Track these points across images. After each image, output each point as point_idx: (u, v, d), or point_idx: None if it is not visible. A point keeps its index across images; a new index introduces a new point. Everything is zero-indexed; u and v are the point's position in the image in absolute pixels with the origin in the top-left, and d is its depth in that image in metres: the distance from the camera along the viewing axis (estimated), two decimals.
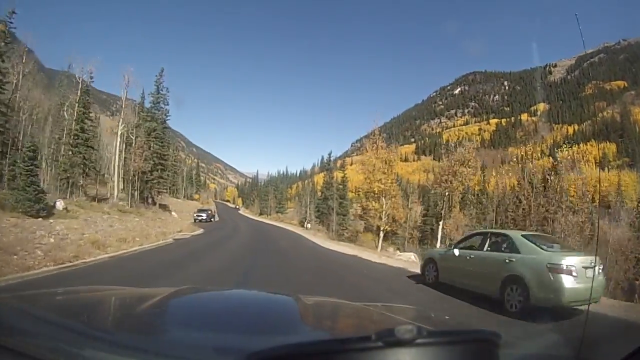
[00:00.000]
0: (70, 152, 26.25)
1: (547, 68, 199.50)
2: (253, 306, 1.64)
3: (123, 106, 25.45)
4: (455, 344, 0.75)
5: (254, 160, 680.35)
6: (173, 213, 31.16)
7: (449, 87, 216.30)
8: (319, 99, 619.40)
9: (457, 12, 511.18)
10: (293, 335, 1.21)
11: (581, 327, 4.41)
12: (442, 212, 23.20)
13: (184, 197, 64.28)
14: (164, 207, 34.45)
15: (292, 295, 1.77)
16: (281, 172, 76.49)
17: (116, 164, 25.27)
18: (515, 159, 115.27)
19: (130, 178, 27.50)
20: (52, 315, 1.15)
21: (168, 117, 32.68)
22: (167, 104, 32.10)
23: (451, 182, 21.28)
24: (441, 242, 22.15)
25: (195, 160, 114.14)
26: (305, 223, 41.51)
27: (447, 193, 22.55)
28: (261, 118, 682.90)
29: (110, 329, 1.12)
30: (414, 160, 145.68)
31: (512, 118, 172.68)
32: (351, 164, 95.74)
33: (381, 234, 26.33)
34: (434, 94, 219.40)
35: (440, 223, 23.00)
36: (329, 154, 51.74)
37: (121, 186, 28.24)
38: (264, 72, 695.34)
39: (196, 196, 74.96)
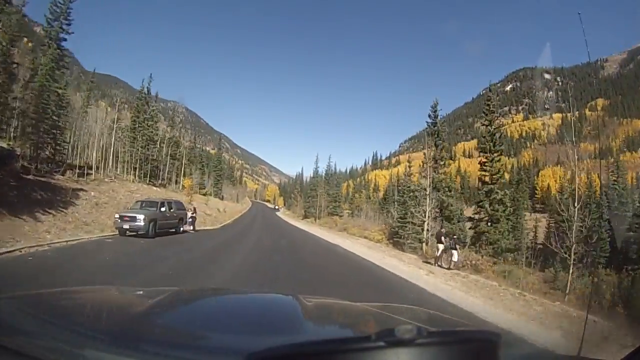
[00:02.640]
0: None
1: (599, 63, 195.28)
2: (254, 307, 1.62)
3: None
4: (456, 344, 0.74)
5: (299, 162, 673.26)
6: None
7: (499, 85, 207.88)
8: (366, 100, 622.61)
9: (500, 10, 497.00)
10: (293, 335, 1.20)
11: (581, 327, 4.33)
12: None
13: (181, 186, 40.21)
14: (65, 193, 16.51)
15: (293, 295, 1.76)
16: (331, 169, 59.17)
17: None
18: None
19: None
20: (52, 315, 1.14)
21: None
22: None
23: None
24: None
25: (218, 143, 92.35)
26: (440, 254, 13.63)
27: None
28: (307, 119, 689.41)
29: (110, 329, 1.10)
30: (478, 157, 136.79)
31: (578, 112, 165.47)
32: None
33: None
34: (484, 91, 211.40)
35: None
36: (435, 103, 24.01)
37: None
38: (311, 75, 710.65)
39: (186, 182, 40.09)
